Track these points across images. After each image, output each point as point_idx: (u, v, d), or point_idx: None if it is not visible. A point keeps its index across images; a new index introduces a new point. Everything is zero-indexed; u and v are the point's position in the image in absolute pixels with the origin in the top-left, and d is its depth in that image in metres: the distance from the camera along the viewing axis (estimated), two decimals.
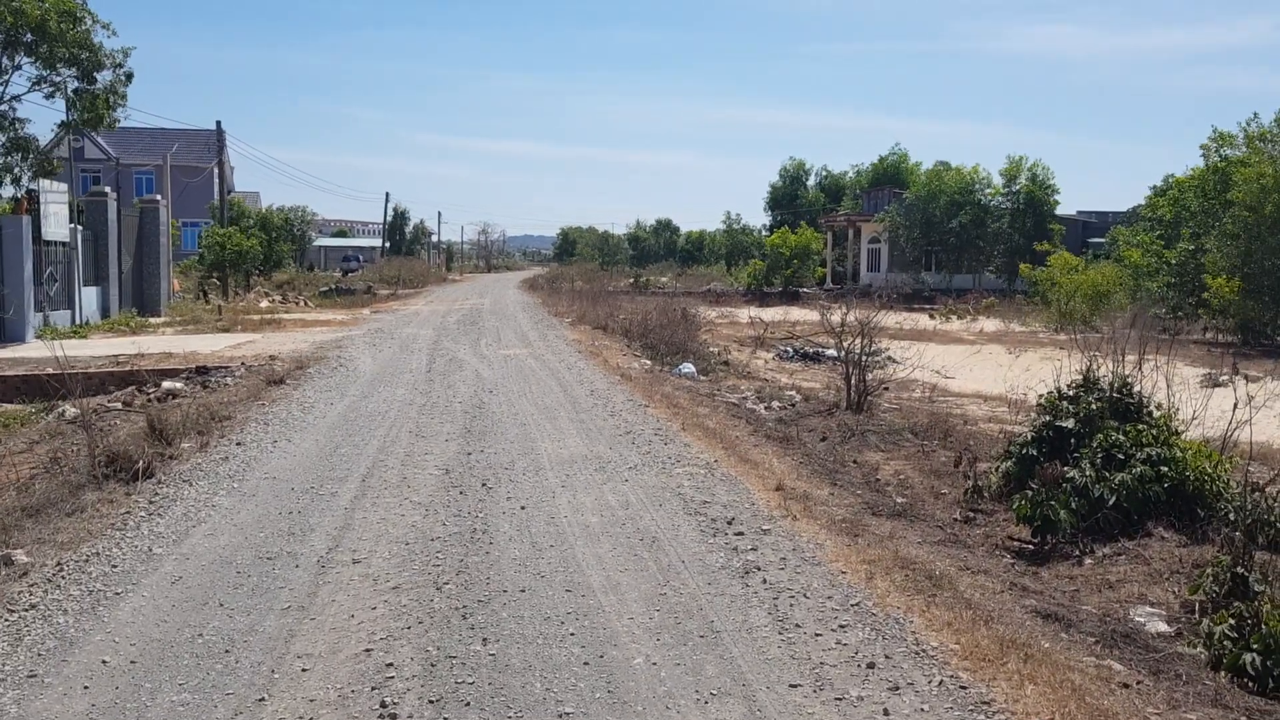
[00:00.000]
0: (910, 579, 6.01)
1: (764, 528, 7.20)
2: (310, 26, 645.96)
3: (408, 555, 6.56)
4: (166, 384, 16.51)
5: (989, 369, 23.65)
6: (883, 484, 10.61)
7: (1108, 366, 9.86)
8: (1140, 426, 9.09)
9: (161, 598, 5.85)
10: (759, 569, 6.29)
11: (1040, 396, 10.16)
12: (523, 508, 7.73)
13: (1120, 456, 8.77)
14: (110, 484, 8.32)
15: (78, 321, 25.59)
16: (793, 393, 17.07)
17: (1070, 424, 9.45)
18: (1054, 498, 8.41)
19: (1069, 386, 9.98)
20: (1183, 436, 9.08)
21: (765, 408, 15.71)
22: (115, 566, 6.39)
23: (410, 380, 15.30)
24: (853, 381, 15.49)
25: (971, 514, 9.62)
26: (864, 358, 15.79)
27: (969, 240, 56.24)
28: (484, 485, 8.44)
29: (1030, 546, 8.52)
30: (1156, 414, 9.37)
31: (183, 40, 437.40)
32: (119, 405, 15.78)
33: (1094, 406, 9.48)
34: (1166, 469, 8.49)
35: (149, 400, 16.35)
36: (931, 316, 40.22)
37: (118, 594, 5.90)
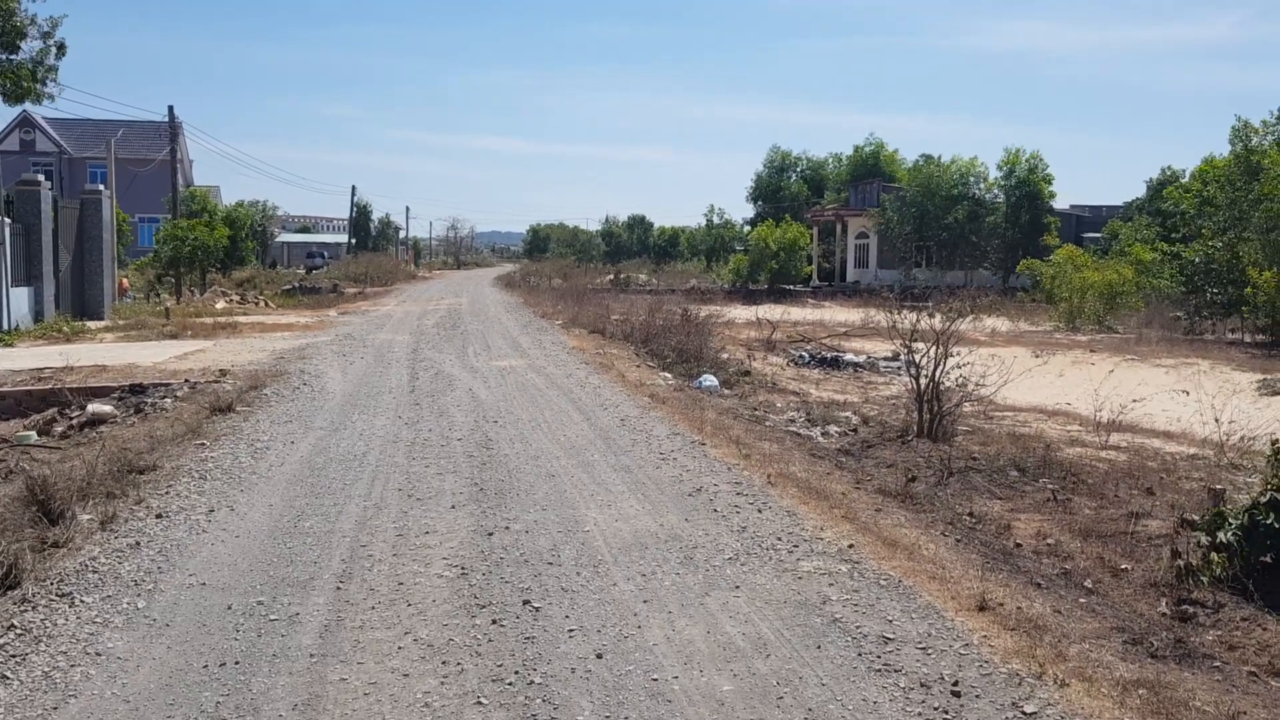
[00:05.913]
0: None
1: (1024, 707, 4.26)
2: (284, 23, 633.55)
3: None
4: (93, 406, 13.62)
5: (1025, 376, 21.08)
6: (1031, 552, 8.02)
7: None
8: None
9: None
10: None
11: (1276, 441, 7.46)
12: (599, 655, 4.76)
13: None
14: None
15: (6, 327, 22.63)
16: (849, 414, 14.38)
17: None
18: None
19: None
20: None
21: (822, 433, 13.08)
22: None
23: (392, 405, 12.35)
24: (926, 402, 12.91)
25: (1187, 607, 6.95)
26: (939, 372, 13.18)
27: (963, 235, 53.81)
28: (526, 603, 5.44)
29: None
30: None
31: (152, 36, 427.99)
32: (32, 434, 12.91)
33: None
34: None
35: (70, 428, 13.45)
36: (931, 315, 37.71)
37: None
